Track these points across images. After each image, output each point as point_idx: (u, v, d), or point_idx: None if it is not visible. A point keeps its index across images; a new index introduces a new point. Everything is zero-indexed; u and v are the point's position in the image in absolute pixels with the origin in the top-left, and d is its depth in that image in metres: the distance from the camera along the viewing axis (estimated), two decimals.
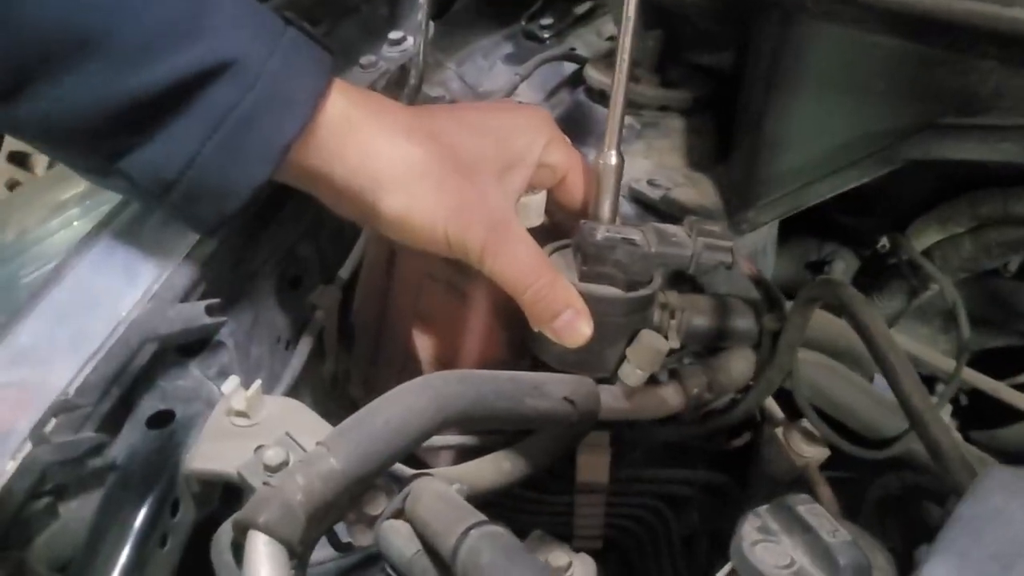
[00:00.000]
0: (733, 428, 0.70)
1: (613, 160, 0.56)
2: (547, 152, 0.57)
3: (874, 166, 0.52)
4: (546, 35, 0.87)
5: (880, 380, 0.75)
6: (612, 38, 0.86)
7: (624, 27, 0.50)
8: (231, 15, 0.47)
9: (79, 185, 0.78)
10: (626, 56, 0.52)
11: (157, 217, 0.55)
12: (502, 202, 0.54)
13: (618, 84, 0.53)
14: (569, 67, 0.82)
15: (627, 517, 0.73)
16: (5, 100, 0.44)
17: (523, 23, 0.88)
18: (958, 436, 0.71)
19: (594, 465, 0.67)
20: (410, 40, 0.72)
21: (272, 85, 0.47)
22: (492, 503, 0.65)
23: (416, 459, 0.66)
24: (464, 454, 0.65)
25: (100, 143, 0.46)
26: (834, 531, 0.42)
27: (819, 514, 0.44)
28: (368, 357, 0.69)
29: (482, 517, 0.44)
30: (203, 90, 0.46)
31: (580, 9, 0.88)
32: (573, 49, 0.84)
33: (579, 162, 0.59)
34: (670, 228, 0.57)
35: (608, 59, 0.75)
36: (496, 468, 0.61)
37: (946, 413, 0.74)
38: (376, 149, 0.51)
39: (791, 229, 0.76)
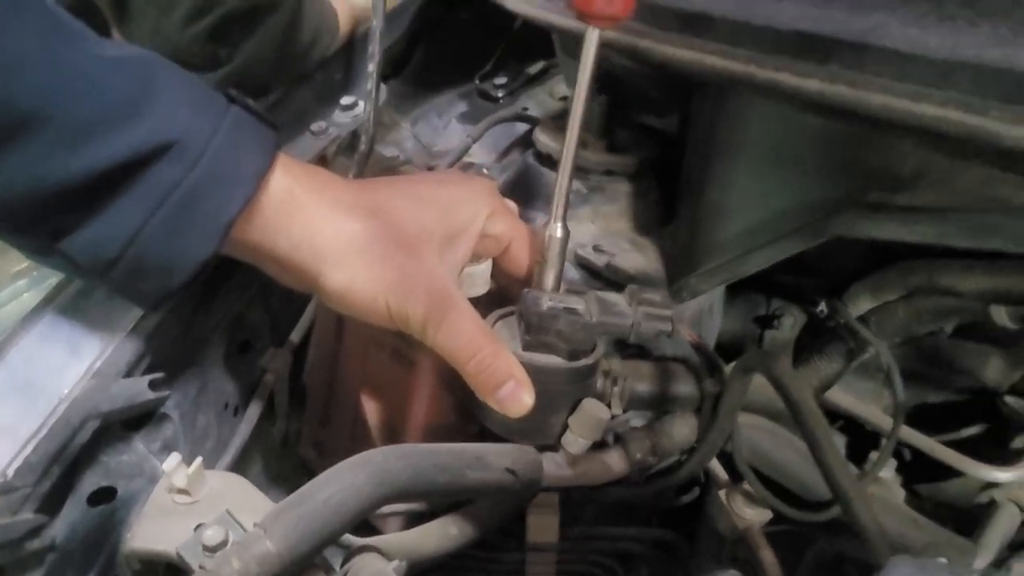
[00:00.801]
0: (680, 486, 0.71)
1: (559, 233, 0.57)
2: (490, 223, 0.58)
3: (805, 239, 0.53)
4: (499, 94, 0.89)
5: None
6: (564, 98, 0.88)
7: (572, 117, 0.51)
8: (174, 95, 0.48)
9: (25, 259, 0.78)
10: (573, 137, 0.53)
11: (103, 291, 0.55)
12: (444, 274, 0.55)
13: (565, 161, 0.54)
14: (521, 127, 0.84)
15: (578, 574, 0.74)
16: None
17: (477, 82, 0.89)
18: (899, 496, 0.72)
19: (543, 525, 0.68)
20: (362, 105, 0.73)
21: (214, 164, 0.48)
22: (443, 564, 0.66)
23: (366, 524, 0.67)
24: (413, 518, 0.66)
25: (40, 223, 0.47)
26: None
27: None
28: (319, 420, 0.70)
29: None
30: (145, 170, 0.46)
31: (533, 69, 0.90)
32: (525, 109, 0.86)
33: (523, 231, 0.60)
34: (612, 297, 0.58)
35: (557, 122, 0.76)
36: (443, 533, 0.62)
37: (890, 468, 0.75)
38: (318, 225, 0.52)
39: (740, 284, 0.78)
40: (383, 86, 0.75)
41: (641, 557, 0.74)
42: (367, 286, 0.52)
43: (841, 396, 0.72)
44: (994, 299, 0.53)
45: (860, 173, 0.51)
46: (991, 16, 0.47)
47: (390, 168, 0.81)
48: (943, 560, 0.61)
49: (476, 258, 0.60)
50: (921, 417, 0.78)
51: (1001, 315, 0.54)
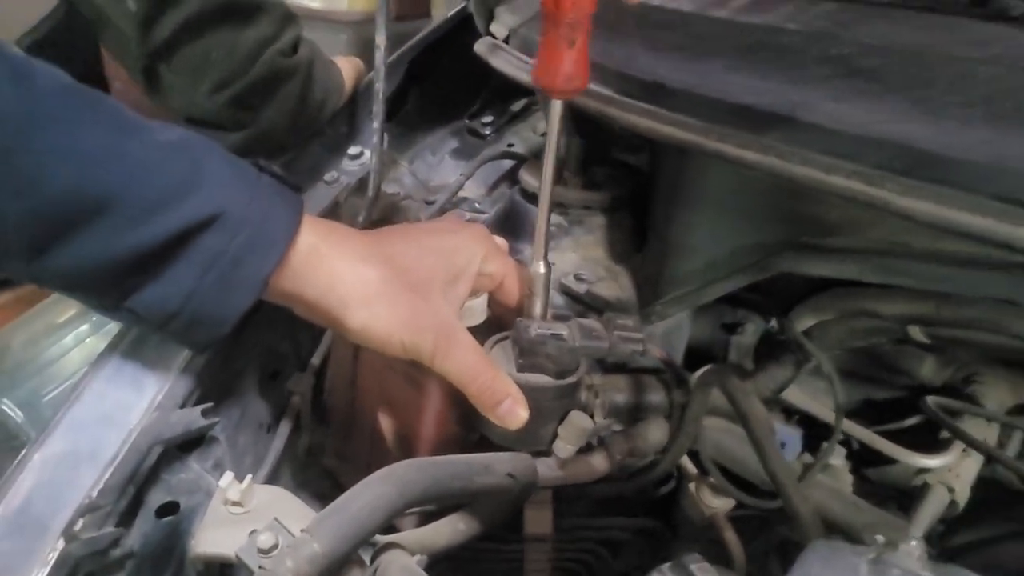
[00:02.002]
0: (659, 480, 0.81)
1: (542, 269, 0.67)
2: (485, 263, 0.68)
3: (754, 274, 0.63)
4: (487, 131, 0.98)
5: (781, 432, 0.88)
6: (544, 134, 0.97)
7: (544, 175, 0.61)
8: (216, 172, 0.57)
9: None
10: (547, 190, 0.63)
11: (157, 336, 0.65)
12: (448, 312, 0.65)
13: (542, 211, 0.64)
14: (508, 162, 0.93)
15: (572, 560, 0.84)
16: (27, 261, 0.52)
17: (466, 121, 0.99)
18: (847, 481, 0.83)
19: (539, 519, 0.78)
20: (367, 154, 0.82)
21: (252, 230, 0.57)
22: (454, 555, 0.76)
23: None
24: (426, 516, 0.76)
25: (109, 288, 0.55)
26: None
27: (707, 570, 0.56)
28: (341, 434, 0.80)
29: None
30: (197, 239, 0.55)
31: (516, 107, 1.00)
32: (511, 144, 0.95)
33: (513, 268, 0.70)
34: (591, 323, 0.68)
35: (539, 161, 0.86)
36: (452, 529, 0.72)
37: (840, 456, 0.86)
38: (340, 274, 0.62)
39: None
40: (384, 135, 0.85)
41: (628, 544, 0.84)
42: (384, 325, 0.62)
43: (797, 395, 0.83)
44: (910, 321, 0.63)
45: (796, 220, 0.61)
46: (898, 91, 0.57)
47: (392, 204, 0.90)
48: (880, 537, 0.72)
49: (474, 293, 0.69)
50: (867, 411, 0.89)
51: (917, 334, 0.64)
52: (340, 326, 0.63)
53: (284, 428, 0.75)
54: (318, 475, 0.82)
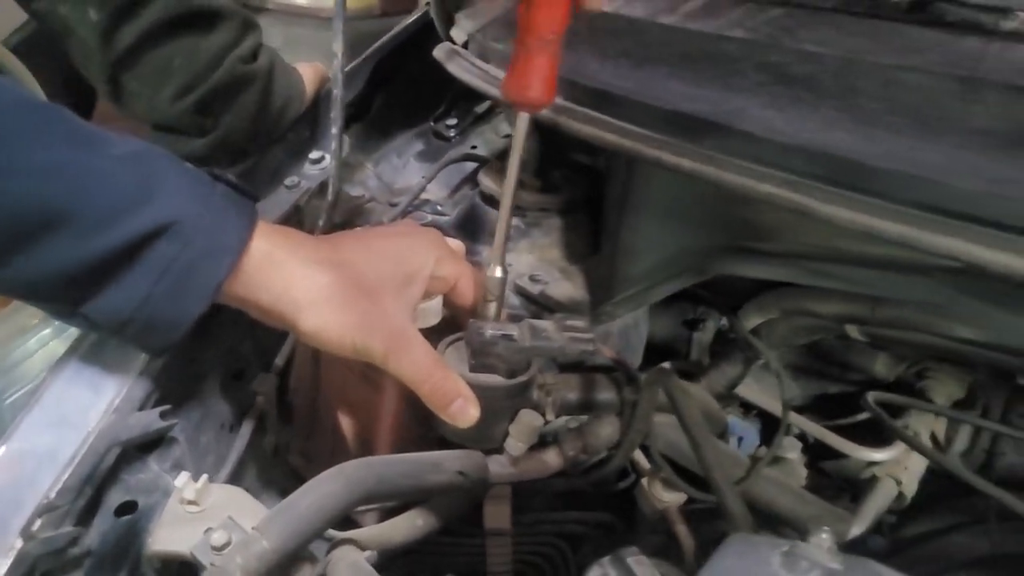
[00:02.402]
0: (617, 474, 0.83)
1: (498, 274, 0.68)
2: (438, 267, 0.70)
3: (695, 275, 0.65)
4: (451, 133, 1.00)
5: (738, 427, 0.90)
6: (507, 136, 0.99)
7: (506, 187, 0.62)
8: (171, 182, 0.59)
9: None
10: (508, 202, 0.64)
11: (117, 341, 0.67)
12: (400, 314, 0.67)
13: (501, 220, 0.65)
14: (471, 164, 0.95)
15: (532, 553, 0.86)
16: None
17: (431, 123, 1.00)
18: (801, 474, 0.85)
19: (498, 513, 0.80)
20: (328, 158, 0.84)
21: (205, 238, 0.59)
22: (419, 549, 0.78)
23: (348, 519, 0.79)
24: (387, 512, 0.78)
25: (65, 295, 0.57)
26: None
27: (643, 563, 0.58)
28: (304, 433, 0.82)
29: None
30: (150, 247, 0.57)
31: (480, 108, 1.01)
32: (474, 147, 0.97)
33: (467, 271, 0.72)
34: (542, 324, 0.70)
35: (498, 163, 0.88)
36: (411, 525, 0.74)
37: (796, 449, 0.88)
38: (294, 280, 0.63)
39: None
40: (345, 137, 0.86)
41: (586, 537, 0.86)
42: (336, 328, 0.63)
43: (750, 390, 0.85)
44: (846, 321, 0.65)
45: (734, 225, 0.63)
46: (828, 98, 0.59)
47: (356, 206, 0.92)
48: (826, 531, 0.74)
49: (428, 296, 0.71)
50: (823, 406, 0.91)
51: (854, 332, 0.66)
52: (294, 329, 0.64)
53: (247, 428, 0.77)
54: (284, 473, 0.84)
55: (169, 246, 0.58)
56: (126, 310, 0.58)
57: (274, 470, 0.84)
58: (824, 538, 0.46)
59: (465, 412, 0.66)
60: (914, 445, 0.68)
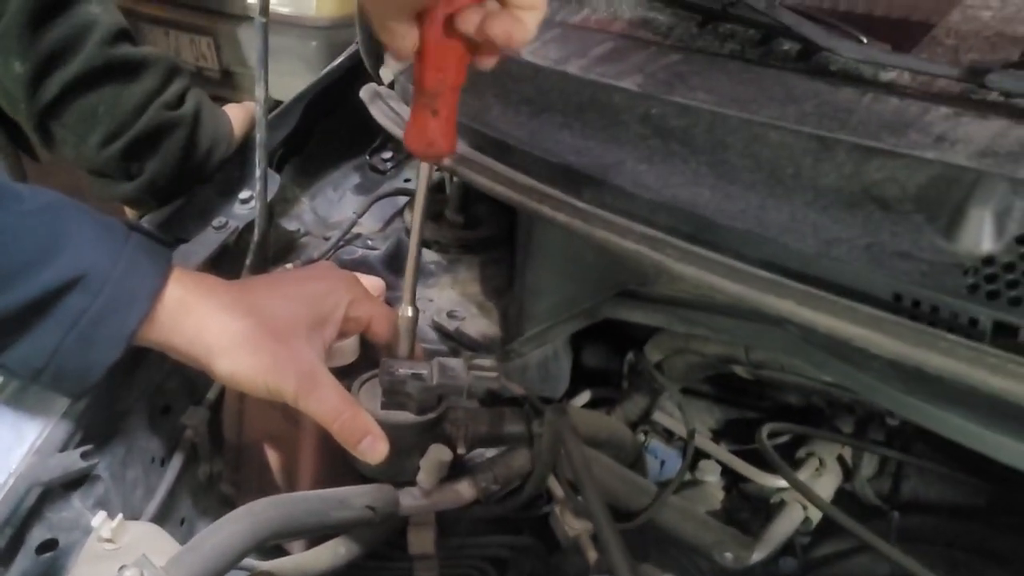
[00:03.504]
0: (535, 501, 0.86)
1: (409, 313, 0.71)
2: (352, 308, 0.73)
3: (587, 318, 0.68)
4: (387, 167, 1.03)
5: (661, 452, 0.93)
6: (440, 169, 1.02)
7: (413, 231, 0.65)
8: (81, 235, 0.62)
9: None
10: (416, 240, 0.67)
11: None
12: (310, 356, 0.69)
13: (410, 261, 0.68)
14: (404, 198, 0.98)
15: (458, 574, 0.89)
16: None
17: (367, 157, 1.03)
18: (718, 497, 0.88)
19: (421, 539, 0.82)
20: (255, 200, 0.87)
21: (116, 289, 0.62)
22: (346, 574, 0.81)
23: (279, 547, 0.82)
24: (314, 540, 0.81)
25: None
26: None
27: None
28: (233, 464, 0.85)
29: None
30: (60, 300, 0.60)
31: None
32: (407, 180, 1.00)
33: (381, 312, 0.75)
34: (451, 362, 0.73)
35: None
36: (333, 553, 0.77)
37: (715, 473, 0.91)
38: (207, 325, 0.66)
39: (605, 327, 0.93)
40: (276, 175, 0.89)
41: (509, 560, 0.89)
42: (248, 371, 0.66)
43: (667, 418, 0.88)
44: (727, 361, 0.68)
45: (617, 271, 0.66)
46: (699, 153, 0.62)
47: (291, 240, 0.95)
48: (728, 555, 0.77)
49: (343, 336, 0.74)
50: (740, 431, 0.94)
51: (741, 371, 0.69)
52: (209, 372, 0.67)
53: (177, 460, 0.80)
54: (218, 502, 0.87)
55: (78, 298, 0.61)
56: (38, 361, 0.61)
57: (208, 497, 0.87)
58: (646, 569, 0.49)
59: (374, 449, 0.69)
60: (791, 480, 0.71)
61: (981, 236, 0.48)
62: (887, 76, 0.66)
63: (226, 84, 2.89)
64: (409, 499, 0.75)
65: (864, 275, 0.49)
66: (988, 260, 0.47)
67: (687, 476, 0.91)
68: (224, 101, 1.04)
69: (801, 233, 0.51)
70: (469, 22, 0.52)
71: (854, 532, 0.64)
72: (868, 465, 0.85)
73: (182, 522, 0.83)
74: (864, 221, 0.52)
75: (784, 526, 0.80)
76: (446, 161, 0.71)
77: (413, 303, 0.71)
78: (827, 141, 0.57)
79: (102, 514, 0.66)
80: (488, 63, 0.64)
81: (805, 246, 0.50)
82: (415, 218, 0.68)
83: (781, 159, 0.58)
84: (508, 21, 0.51)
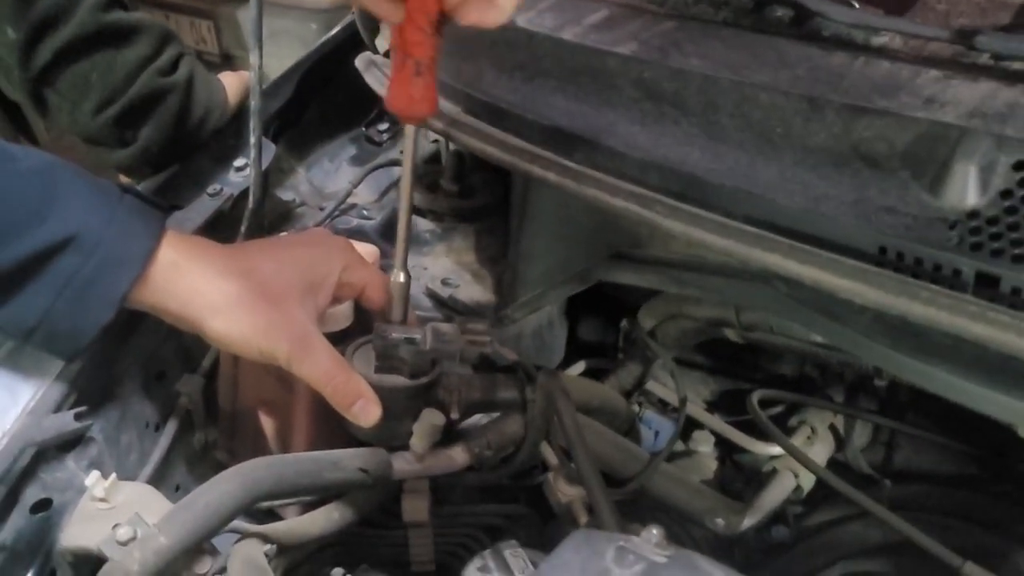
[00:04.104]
0: (529, 470, 0.87)
1: (401, 279, 0.72)
2: (345, 274, 0.73)
3: (581, 282, 0.69)
4: (383, 138, 1.03)
5: (655, 422, 0.93)
6: (435, 140, 1.02)
7: (402, 194, 0.65)
8: (73, 195, 0.62)
9: None
10: (406, 204, 0.67)
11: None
12: (303, 320, 0.70)
13: (401, 227, 0.69)
14: (399, 170, 0.98)
15: (453, 544, 0.90)
16: None
17: (363, 128, 1.04)
18: (711, 467, 0.89)
19: (415, 507, 0.83)
20: (249, 166, 0.87)
21: (107, 250, 0.62)
22: (342, 541, 0.81)
23: (272, 512, 0.82)
24: (308, 506, 0.82)
25: None
26: (523, 569, 0.59)
27: (518, 555, 0.62)
28: (227, 432, 0.85)
29: None
30: (52, 260, 0.60)
31: None
32: (403, 151, 1.00)
33: (375, 277, 0.75)
34: (445, 327, 0.73)
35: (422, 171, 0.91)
36: (327, 518, 0.77)
37: (708, 443, 0.91)
38: (200, 287, 0.66)
39: (599, 297, 0.93)
40: (271, 144, 0.90)
41: (503, 529, 0.90)
42: (241, 333, 0.67)
43: (660, 388, 0.88)
44: (718, 324, 0.68)
45: (613, 233, 0.66)
46: (689, 115, 0.62)
47: (287, 210, 0.95)
48: (720, 520, 0.78)
49: (337, 301, 0.75)
50: (734, 402, 0.94)
51: (732, 335, 0.69)
52: (202, 334, 0.68)
53: (171, 426, 0.81)
54: (212, 468, 0.88)
55: (70, 259, 0.61)
56: (30, 321, 0.62)
57: (202, 465, 0.87)
58: (654, 533, 0.49)
59: (367, 412, 0.70)
60: (783, 444, 0.72)
61: (966, 191, 0.48)
62: (879, 40, 0.66)
63: (226, 67, 2.88)
64: (402, 463, 0.75)
65: (850, 230, 0.49)
66: (972, 214, 0.48)
67: (681, 447, 0.91)
68: None
69: (789, 190, 0.52)
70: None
71: (846, 494, 0.64)
72: (861, 435, 0.86)
73: (177, 488, 0.84)
74: (852, 178, 0.52)
75: (775, 494, 0.81)
76: (439, 125, 0.71)
77: (405, 268, 0.72)
78: (817, 102, 0.57)
79: (95, 473, 0.66)
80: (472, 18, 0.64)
81: (793, 203, 0.51)
82: (404, 180, 0.68)
83: (771, 119, 0.58)
84: (482, 5, 0.52)
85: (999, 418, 0.48)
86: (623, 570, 0.46)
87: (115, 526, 0.62)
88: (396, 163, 0.97)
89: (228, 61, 2.88)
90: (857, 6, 0.67)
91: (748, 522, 0.77)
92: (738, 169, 0.55)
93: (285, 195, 0.95)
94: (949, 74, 0.60)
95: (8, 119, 1.05)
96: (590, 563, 0.48)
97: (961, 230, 0.47)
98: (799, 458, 0.72)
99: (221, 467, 0.88)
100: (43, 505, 0.67)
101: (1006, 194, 0.48)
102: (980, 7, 0.65)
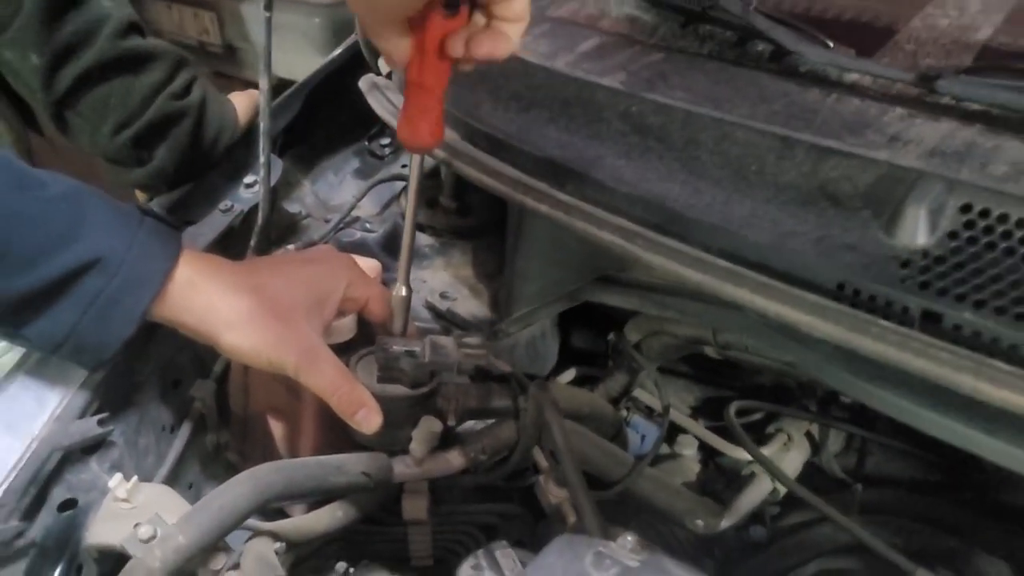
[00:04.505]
0: (522, 472, 0.92)
1: (403, 293, 0.77)
2: (349, 290, 0.78)
3: (570, 301, 0.73)
4: (385, 152, 1.08)
5: (641, 427, 0.98)
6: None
7: (407, 215, 0.70)
8: (98, 220, 0.67)
9: None
10: (410, 226, 0.72)
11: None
12: (310, 334, 0.75)
13: (405, 243, 0.74)
14: (399, 184, 1.03)
15: (450, 541, 0.95)
16: None
17: (366, 143, 1.08)
18: (694, 470, 0.94)
19: (415, 505, 0.88)
20: (258, 184, 0.92)
21: (129, 271, 0.67)
22: (345, 537, 0.87)
23: (280, 510, 0.88)
24: (313, 504, 0.87)
25: (5, 321, 0.66)
26: (512, 568, 0.65)
27: (508, 556, 0.67)
28: (239, 435, 0.90)
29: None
30: (78, 281, 0.65)
31: None
32: (404, 166, 1.05)
33: (377, 292, 0.80)
34: (443, 340, 0.78)
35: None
36: (331, 516, 0.82)
37: (692, 447, 0.96)
38: (214, 303, 0.71)
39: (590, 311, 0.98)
40: (279, 160, 0.94)
41: (498, 527, 0.95)
42: (252, 346, 0.72)
43: (647, 396, 0.93)
44: (697, 342, 0.73)
45: (597, 257, 0.71)
46: (673, 150, 0.67)
47: (292, 223, 1.00)
48: (699, 522, 0.83)
49: (342, 314, 0.79)
50: (717, 408, 0.99)
51: (710, 351, 0.74)
52: (216, 346, 0.72)
53: (186, 429, 0.86)
54: (224, 469, 0.93)
55: (96, 280, 0.66)
56: (58, 336, 0.66)
57: (214, 465, 0.93)
58: (629, 540, 0.54)
59: (369, 420, 0.75)
60: (754, 454, 0.77)
61: (916, 231, 0.53)
62: (850, 78, 0.71)
63: (229, 59, 2.91)
64: (402, 467, 0.80)
65: (813, 266, 0.54)
66: (922, 253, 0.52)
67: (667, 450, 0.97)
68: (227, 77, 1.09)
69: (760, 226, 0.56)
70: (458, 42, 0.57)
71: (810, 502, 0.69)
72: (835, 442, 0.91)
73: (190, 486, 0.89)
74: (817, 216, 0.57)
75: (752, 496, 0.86)
76: (440, 154, 0.76)
77: (407, 283, 0.77)
78: (789, 140, 0.62)
79: (118, 476, 0.71)
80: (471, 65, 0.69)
81: (762, 238, 0.55)
82: (409, 204, 0.73)
83: (747, 156, 0.63)
84: (492, 38, 0.56)
85: (948, 441, 0.53)
86: (600, 573, 0.51)
87: (136, 525, 0.67)
88: (397, 178, 1.02)
89: (231, 53, 2.91)
90: (831, 46, 0.71)
91: (726, 523, 0.83)
92: (715, 205, 0.59)
93: (292, 208, 1.00)
94: (913, 112, 0.65)
95: (17, 114, 1.09)
96: (571, 566, 0.53)
97: (911, 269, 0.52)
98: (767, 466, 0.77)
99: (232, 467, 0.94)
100: (69, 504, 0.72)
101: (952, 235, 0.53)
102: (945, 48, 0.70)
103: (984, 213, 0.52)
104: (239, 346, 0.72)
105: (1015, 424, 0.47)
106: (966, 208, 0.53)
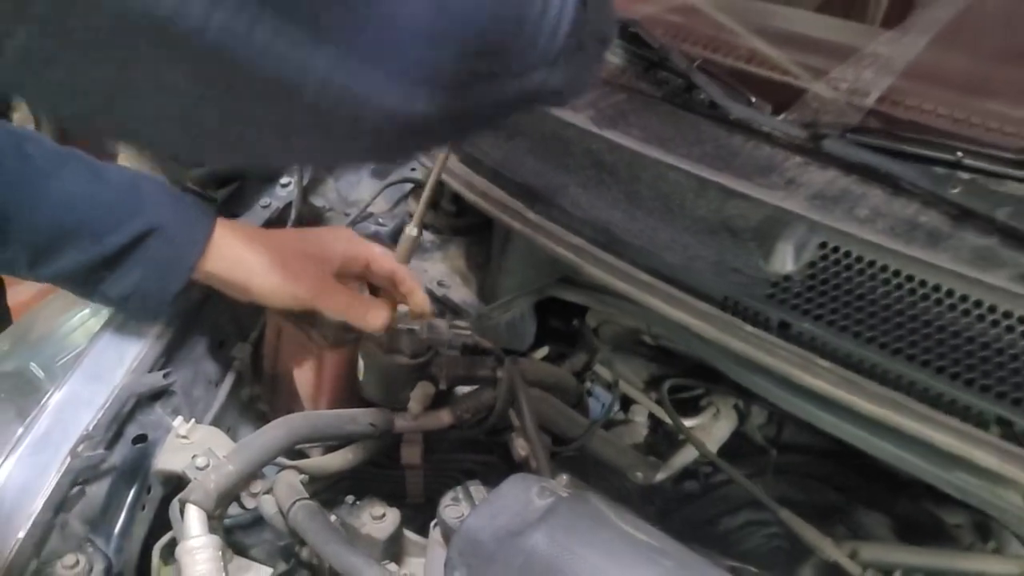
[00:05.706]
0: (499, 429, 1.12)
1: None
2: (349, 247, 0.93)
3: (538, 295, 0.93)
4: None
5: (602, 396, 1.18)
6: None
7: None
8: (155, 201, 0.83)
9: None
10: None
11: (135, 321, 0.95)
12: (321, 274, 0.89)
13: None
14: (409, 185, 1.22)
15: (439, 483, 1.15)
16: (28, 269, 0.81)
17: None
18: (642, 432, 1.13)
19: (411, 453, 1.07)
20: (292, 184, 1.11)
21: (180, 235, 0.84)
22: (352, 476, 1.06)
23: (301, 452, 1.08)
24: (328, 448, 1.07)
25: (84, 282, 0.83)
26: (482, 498, 0.84)
27: (480, 491, 0.87)
28: (269, 390, 1.10)
29: (304, 496, 0.85)
30: (141, 246, 0.82)
31: None
32: (413, 169, 1.23)
33: (377, 250, 0.96)
34: (437, 322, 0.98)
35: (420, 190, 1.14)
36: (344, 458, 1.02)
37: (643, 414, 1.16)
38: (243, 256, 0.87)
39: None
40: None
41: (480, 474, 1.15)
42: (277, 285, 0.87)
43: (604, 370, 1.13)
44: (636, 331, 0.92)
45: (560, 263, 0.90)
46: (620, 183, 0.85)
47: (318, 214, 1.19)
48: (639, 474, 1.03)
49: (345, 269, 0.97)
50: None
51: (648, 339, 0.93)
52: (248, 292, 0.88)
53: (227, 384, 1.06)
54: (255, 416, 1.13)
55: (156, 244, 0.83)
56: (127, 290, 0.84)
57: (249, 413, 1.13)
58: (564, 479, 0.74)
59: (377, 316, 0.90)
60: (679, 427, 0.96)
61: (786, 260, 0.71)
62: (765, 128, 0.89)
63: None
64: (402, 420, 1.00)
65: (709, 283, 0.72)
66: (787, 278, 0.71)
67: (623, 417, 1.16)
68: None
69: (675, 250, 0.75)
70: None
71: (722, 468, 0.88)
72: (758, 415, 1.10)
73: (228, 429, 1.08)
74: (718, 244, 0.75)
75: (684, 457, 1.05)
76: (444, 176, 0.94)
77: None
78: (704, 182, 0.80)
79: (180, 418, 0.91)
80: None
81: (676, 259, 0.74)
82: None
83: (674, 193, 0.81)
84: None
85: (796, 415, 0.72)
86: (541, 500, 0.71)
87: (194, 456, 0.87)
88: (408, 180, 1.21)
89: None
90: (753, 101, 0.89)
91: (660, 476, 1.02)
92: (646, 231, 0.78)
93: (317, 201, 1.19)
94: (808, 161, 0.84)
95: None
96: (521, 495, 0.73)
97: (777, 289, 0.71)
98: (686, 434, 0.96)
99: (262, 416, 1.15)
100: (141, 439, 0.92)
101: (811, 264, 0.71)
102: (841, 109, 0.88)
103: (835, 249, 0.71)
104: (265, 286, 0.87)
105: (832, 404, 0.66)
106: (823, 245, 0.72)
